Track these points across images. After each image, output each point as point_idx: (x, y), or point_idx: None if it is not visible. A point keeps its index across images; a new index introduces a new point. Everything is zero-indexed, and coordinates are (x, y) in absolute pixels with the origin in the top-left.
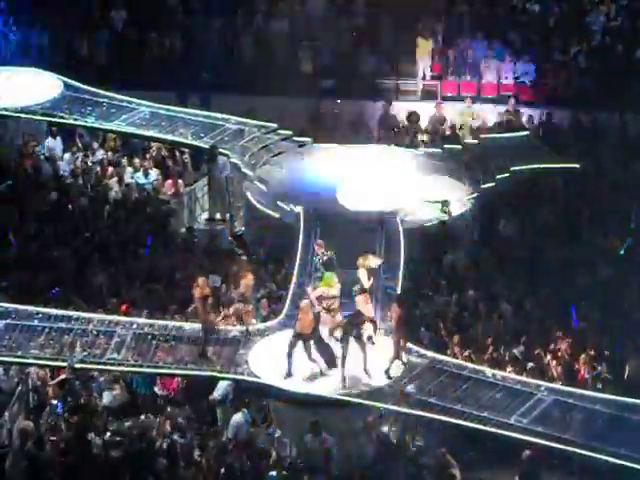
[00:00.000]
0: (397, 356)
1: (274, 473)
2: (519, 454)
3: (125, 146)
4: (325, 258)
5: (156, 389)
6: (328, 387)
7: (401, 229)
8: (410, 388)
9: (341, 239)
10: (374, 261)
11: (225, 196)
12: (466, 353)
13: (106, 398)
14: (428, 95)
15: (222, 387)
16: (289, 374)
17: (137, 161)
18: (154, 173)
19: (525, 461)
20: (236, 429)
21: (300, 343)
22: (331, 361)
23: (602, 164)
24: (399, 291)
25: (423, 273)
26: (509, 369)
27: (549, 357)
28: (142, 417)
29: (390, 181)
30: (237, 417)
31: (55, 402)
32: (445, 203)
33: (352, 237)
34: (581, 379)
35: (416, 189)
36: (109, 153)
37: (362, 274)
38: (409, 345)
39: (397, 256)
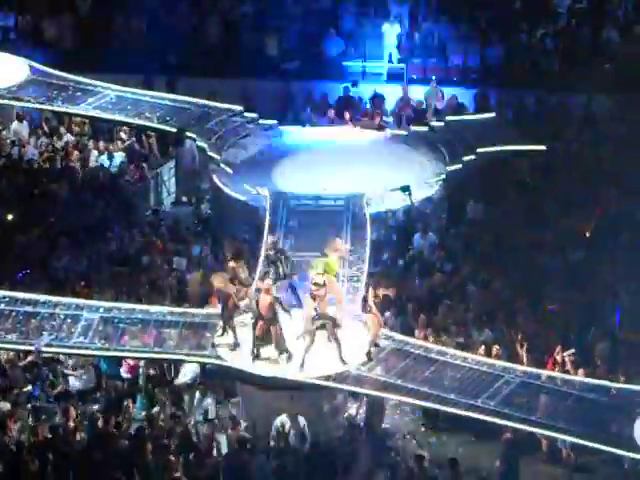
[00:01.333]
0: (375, 338)
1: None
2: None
3: (91, 129)
4: (271, 253)
5: (122, 372)
6: (292, 370)
7: (367, 212)
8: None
9: (307, 222)
10: (343, 248)
11: (191, 179)
12: (433, 336)
13: (73, 382)
14: (394, 78)
15: (190, 371)
16: (256, 357)
17: (102, 144)
18: (119, 156)
19: (504, 444)
20: (204, 413)
21: (262, 325)
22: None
23: (569, 146)
24: (366, 274)
25: (391, 256)
26: (477, 352)
27: (518, 340)
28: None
29: (356, 164)
30: (207, 400)
31: (30, 388)
32: (405, 189)
33: (318, 220)
34: (550, 361)
35: (382, 172)
36: (75, 137)
37: (333, 259)
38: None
39: (363, 239)
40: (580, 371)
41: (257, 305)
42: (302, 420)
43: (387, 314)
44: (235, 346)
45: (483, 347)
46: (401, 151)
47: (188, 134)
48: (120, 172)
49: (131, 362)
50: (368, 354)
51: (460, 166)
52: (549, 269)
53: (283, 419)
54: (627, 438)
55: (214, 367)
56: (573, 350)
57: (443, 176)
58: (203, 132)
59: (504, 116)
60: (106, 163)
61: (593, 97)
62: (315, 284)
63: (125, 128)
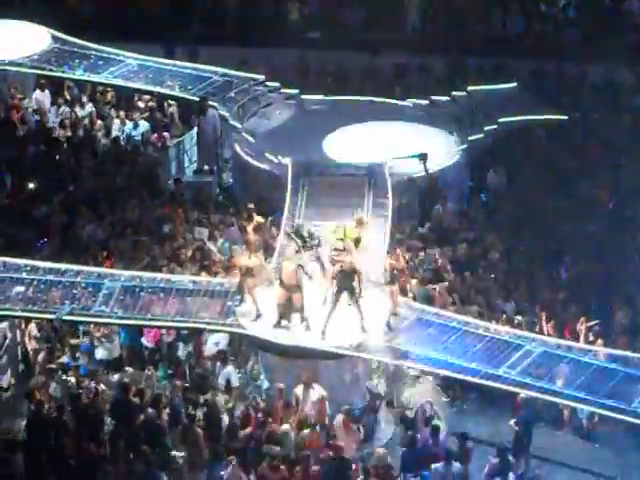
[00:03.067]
0: (396, 307)
1: (287, 426)
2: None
3: (114, 98)
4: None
5: (143, 340)
6: (314, 339)
7: (389, 181)
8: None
9: (328, 191)
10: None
11: (213, 148)
12: (455, 305)
13: (100, 352)
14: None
15: (223, 337)
16: (277, 324)
17: (123, 113)
18: (141, 125)
19: (521, 405)
20: (226, 381)
21: (284, 293)
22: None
23: (589, 116)
24: (388, 244)
25: (412, 225)
26: (498, 321)
27: (539, 310)
28: (130, 370)
29: (378, 133)
30: (227, 369)
31: (66, 360)
32: (421, 156)
33: (339, 189)
34: (571, 332)
35: (403, 141)
36: (97, 105)
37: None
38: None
39: (385, 208)
40: (600, 341)
41: (280, 274)
42: (322, 389)
43: (408, 283)
44: (257, 316)
45: (504, 316)
46: (422, 120)
47: (210, 103)
48: (142, 141)
49: (152, 331)
50: (388, 324)
51: (481, 135)
52: (569, 239)
53: (301, 388)
54: None
55: (236, 336)
56: (597, 321)
57: (464, 145)
58: (225, 101)
59: (525, 86)
60: (127, 132)
61: (614, 68)
62: (335, 249)
63: (144, 97)
